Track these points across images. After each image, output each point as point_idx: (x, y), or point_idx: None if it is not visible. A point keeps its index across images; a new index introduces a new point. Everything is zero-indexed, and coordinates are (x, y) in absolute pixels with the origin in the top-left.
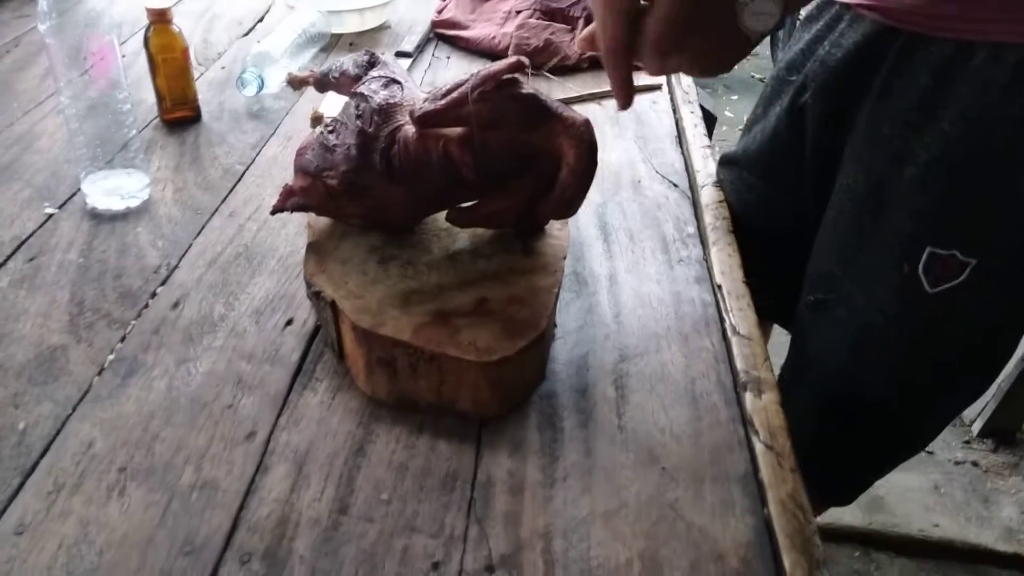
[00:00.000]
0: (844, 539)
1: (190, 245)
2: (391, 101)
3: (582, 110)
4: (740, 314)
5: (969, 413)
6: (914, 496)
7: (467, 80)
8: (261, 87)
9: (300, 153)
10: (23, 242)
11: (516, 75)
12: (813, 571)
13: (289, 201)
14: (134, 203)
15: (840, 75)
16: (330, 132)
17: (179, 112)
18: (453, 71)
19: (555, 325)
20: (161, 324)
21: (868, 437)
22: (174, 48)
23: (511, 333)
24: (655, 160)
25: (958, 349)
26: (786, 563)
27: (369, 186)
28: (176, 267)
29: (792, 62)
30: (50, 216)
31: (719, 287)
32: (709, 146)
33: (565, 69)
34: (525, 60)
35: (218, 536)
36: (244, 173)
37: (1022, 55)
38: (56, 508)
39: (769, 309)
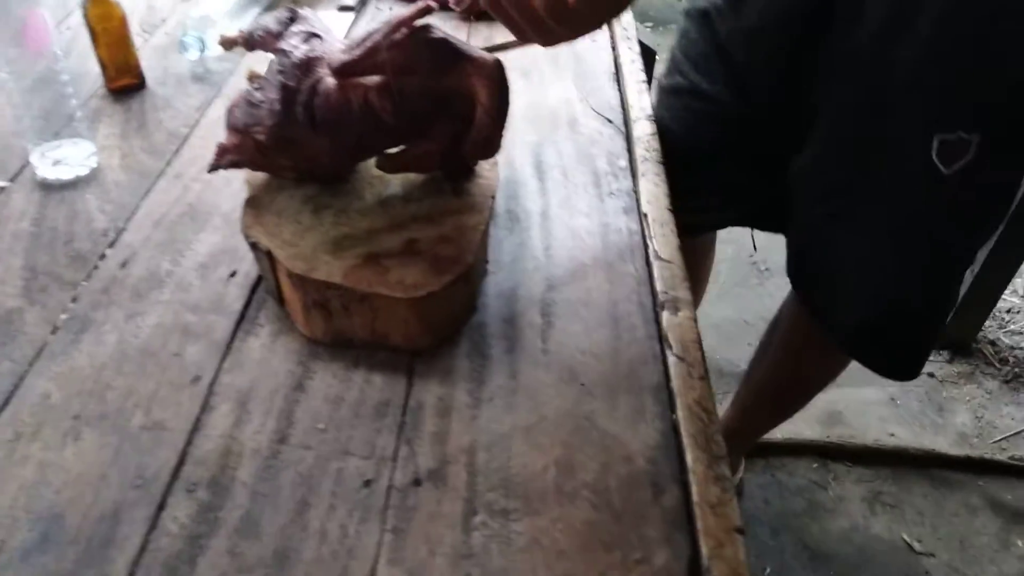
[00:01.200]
0: (803, 452)
1: (137, 207)
2: (311, 55)
3: (523, 52)
4: (663, 239)
5: None
6: (871, 409)
7: (380, 28)
8: (203, 50)
9: (230, 111)
10: None
11: (426, 20)
12: (712, 464)
13: (224, 158)
14: (82, 171)
15: None
16: (257, 89)
17: (123, 80)
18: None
19: (486, 261)
20: (111, 283)
21: (914, 311)
22: (112, 17)
23: (438, 270)
24: (592, 98)
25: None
26: (688, 459)
27: (295, 138)
28: (124, 229)
29: None
30: (1, 189)
31: (645, 216)
32: (644, 80)
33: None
34: (433, 3)
35: (166, 469)
36: (189, 135)
37: None
38: (16, 455)
39: (719, 220)
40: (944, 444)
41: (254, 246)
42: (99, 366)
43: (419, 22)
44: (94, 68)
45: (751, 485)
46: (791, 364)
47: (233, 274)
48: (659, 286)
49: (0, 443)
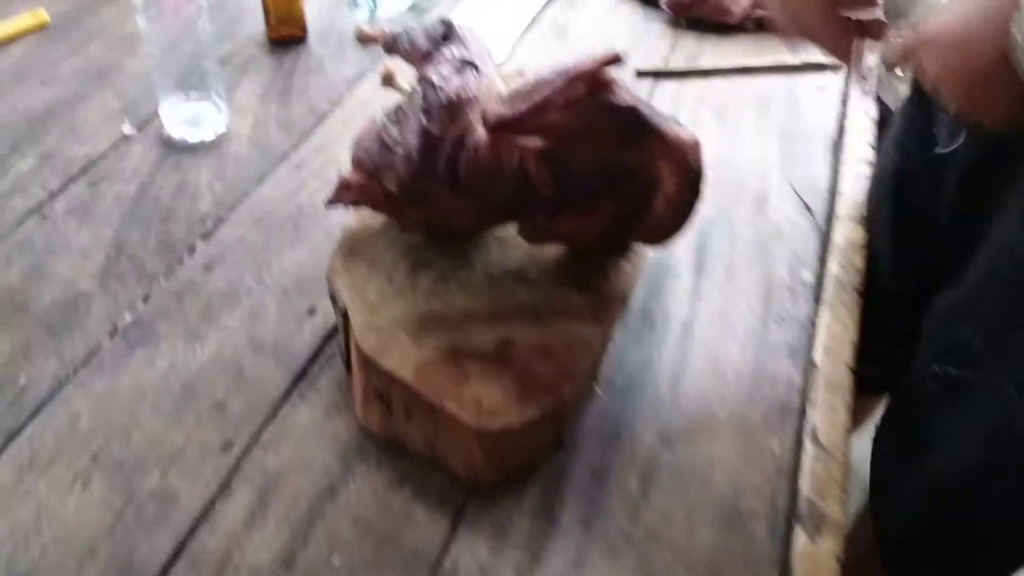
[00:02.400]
0: None
1: (246, 195)
2: (462, 95)
3: (728, 84)
4: (830, 414)
5: None
6: None
7: (553, 79)
8: (374, 10)
9: (358, 143)
10: (92, 163)
11: (612, 77)
12: None
13: (345, 195)
14: (208, 136)
15: None
16: (393, 122)
17: (284, 31)
18: (592, 12)
19: (595, 383)
20: (187, 288)
21: (986, 559)
22: None
23: (525, 394)
24: (796, 170)
25: None
26: None
27: (430, 194)
28: (223, 220)
29: None
30: (125, 137)
31: (814, 366)
32: (869, 162)
33: (724, 27)
34: (621, 54)
35: (156, 561)
36: (328, 113)
37: None
38: (22, 487)
39: (879, 380)
40: None
41: (333, 299)
42: (138, 396)
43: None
44: (258, 9)
45: None
46: None
47: (313, 311)
48: (803, 487)
49: (13, 465)
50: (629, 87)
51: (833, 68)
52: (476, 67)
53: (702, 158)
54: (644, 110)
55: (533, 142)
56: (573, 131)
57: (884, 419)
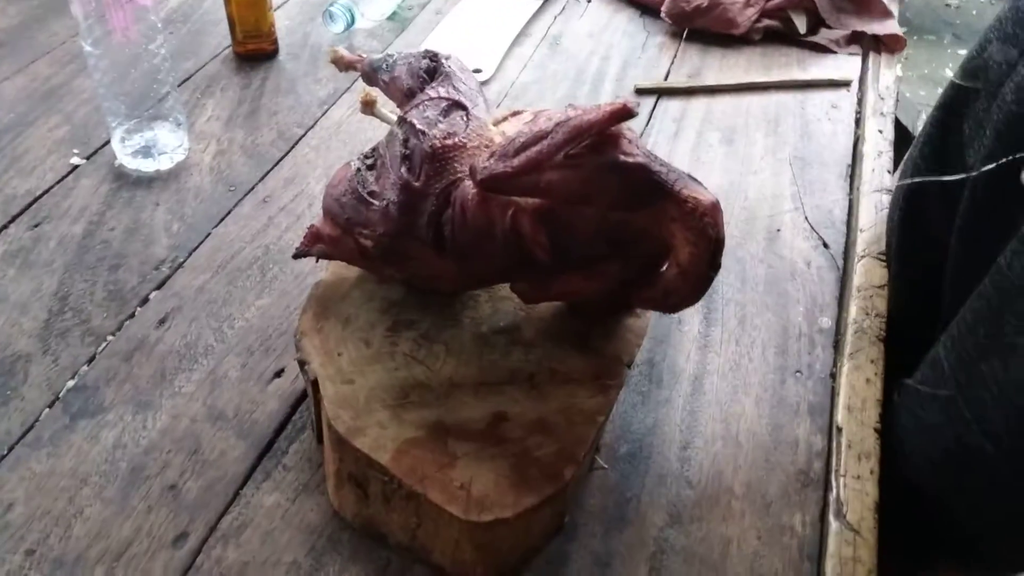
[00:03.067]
0: None
1: (207, 235)
2: (449, 142)
3: (735, 102)
4: (855, 485)
5: None
6: None
7: (553, 129)
8: (351, 23)
9: (330, 192)
10: (35, 199)
11: (621, 130)
12: None
13: (315, 246)
14: (165, 165)
15: None
16: (368, 169)
17: (252, 45)
18: (587, 22)
19: (597, 454)
20: (138, 347)
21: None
22: None
23: (521, 480)
24: (809, 198)
25: None
26: None
27: (412, 254)
28: (181, 266)
29: (973, 68)
30: (73, 169)
31: (839, 431)
32: (889, 190)
33: (730, 39)
34: (634, 107)
35: None
36: (299, 140)
37: None
38: None
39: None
40: None
41: (302, 366)
42: (81, 478)
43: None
44: (223, 23)
45: None
46: None
47: (279, 373)
48: (829, 573)
49: None
50: (638, 140)
51: (846, 85)
52: (465, 109)
53: (722, 222)
54: (656, 168)
55: (528, 201)
56: (574, 190)
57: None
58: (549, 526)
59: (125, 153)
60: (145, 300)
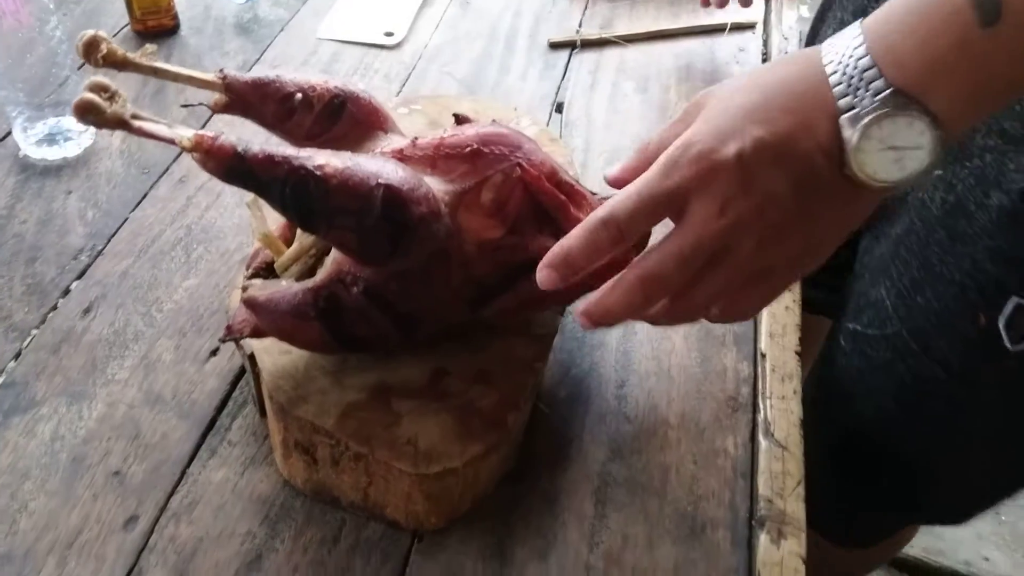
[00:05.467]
0: None
1: (125, 220)
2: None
3: (647, 53)
4: (780, 405)
5: None
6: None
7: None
8: None
9: (247, 294)
10: None
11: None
12: None
13: (236, 334)
14: (73, 151)
15: None
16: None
17: (152, 22)
18: None
19: (539, 400)
20: (65, 338)
21: (894, 493)
22: None
23: (464, 430)
24: None
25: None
26: None
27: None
28: (100, 253)
29: None
30: None
31: (763, 356)
32: None
33: None
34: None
35: None
36: (211, 117)
37: None
38: None
39: (821, 302)
40: None
41: (236, 342)
42: (21, 473)
43: None
44: (119, 1)
45: None
46: None
47: (215, 352)
48: (762, 486)
49: None
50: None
51: (751, 27)
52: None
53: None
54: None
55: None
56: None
57: (810, 372)
58: (497, 471)
59: (29, 142)
60: (67, 291)
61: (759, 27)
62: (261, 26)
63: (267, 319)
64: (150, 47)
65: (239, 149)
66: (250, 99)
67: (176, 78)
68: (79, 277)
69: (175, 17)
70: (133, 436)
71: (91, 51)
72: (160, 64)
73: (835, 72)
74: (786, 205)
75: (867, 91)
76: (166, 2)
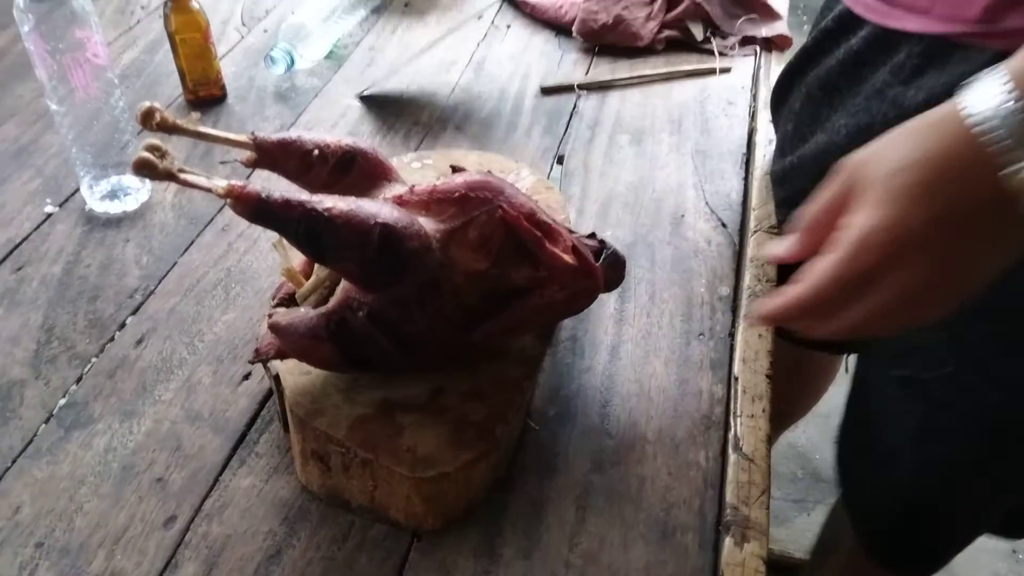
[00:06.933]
0: None
1: (174, 264)
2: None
3: (643, 106)
4: (750, 423)
5: None
6: (985, 559)
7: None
8: (291, 65)
9: (272, 319)
10: (16, 247)
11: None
12: None
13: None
14: (131, 206)
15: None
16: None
17: (203, 92)
18: (508, 46)
19: (530, 418)
20: (119, 365)
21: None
22: (193, 27)
23: (458, 440)
24: (709, 186)
25: None
26: None
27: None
28: (152, 292)
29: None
30: (48, 216)
31: (735, 380)
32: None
33: (635, 51)
34: None
35: None
36: (250, 174)
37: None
38: None
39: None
40: None
41: (264, 364)
42: (79, 479)
43: None
44: (174, 74)
45: None
46: None
47: (247, 376)
48: (729, 495)
49: None
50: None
51: (727, 71)
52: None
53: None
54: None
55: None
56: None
57: (846, 419)
58: (488, 478)
59: (94, 198)
60: (123, 325)
61: (748, 82)
62: (298, 93)
63: (288, 341)
64: (195, 115)
65: (263, 195)
66: (276, 155)
67: (215, 140)
68: (133, 313)
69: (223, 88)
70: (175, 448)
71: (147, 119)
72: (203, 128)
73: (989, 129)
74: (967, 271)
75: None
76: (215, 74)
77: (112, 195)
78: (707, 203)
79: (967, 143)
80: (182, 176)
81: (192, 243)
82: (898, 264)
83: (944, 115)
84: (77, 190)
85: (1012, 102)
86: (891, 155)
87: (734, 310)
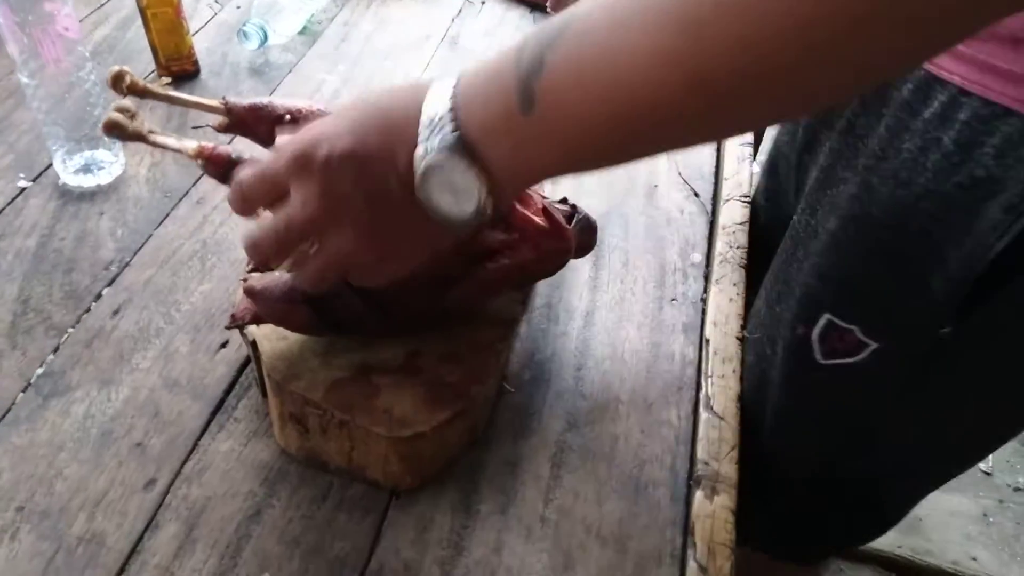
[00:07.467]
0: (866, 560)
1: (149, 236)
2: None
3: None
4: (720, 383)
5: None
6: (957, 522)
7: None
8: (264, 40)
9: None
10: None
11: None
12: None
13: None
14: (105, 179)
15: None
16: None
17: (175, 67)
18: (483, 21)
19: (505, 381)
20: (96, 335)
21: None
22: (164, 1)
23: (434, 400)
24: (682, 157)
25: (839, 431)
26: None
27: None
28: (128, 264)
29: None
30: (22, 191)
31: (707, 342)
32: (750, 143)
33: None
34: None
35: None
36: (232, 141)
37: (976, 111)
38: None
39: None
40: None
41: (241, 329)
42: (57, 445)
43: None
44: (147, 50)
45: None
46: None
47: (224, 344)
48: (700, 452)
49: None
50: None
51: None
52: None
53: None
54: None
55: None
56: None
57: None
58: (464, 438)
59: (67, 172)
60: (99, 296)
61: None
62: (271, 69)
63: (263, 305)
64: (165, 79)
65: (232, 156)
66: (248, 120)
67: (186, 104)
68: (109, 285)
69: (196, 63)
70: (153, 414)
71: (118, 82)
72: (173, 92)
73: (427, 111)
74: (357, 214)
75: (440, 133)
76: (187, 50)
77: (86, 169)
78: (680, 174)
79: (412, 115)
80: (152, 137)
81: (167, 216)
82: (333, 225)
83: (418, 88)
84: (50, 165)
85: (451, 92)
86: (374, 95)
87: (706, 276)
